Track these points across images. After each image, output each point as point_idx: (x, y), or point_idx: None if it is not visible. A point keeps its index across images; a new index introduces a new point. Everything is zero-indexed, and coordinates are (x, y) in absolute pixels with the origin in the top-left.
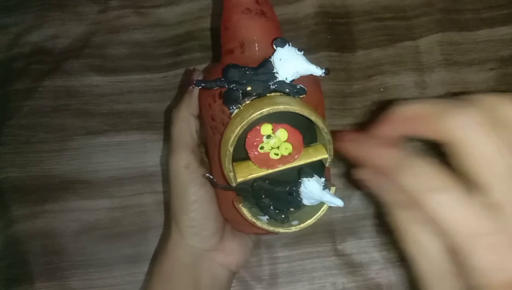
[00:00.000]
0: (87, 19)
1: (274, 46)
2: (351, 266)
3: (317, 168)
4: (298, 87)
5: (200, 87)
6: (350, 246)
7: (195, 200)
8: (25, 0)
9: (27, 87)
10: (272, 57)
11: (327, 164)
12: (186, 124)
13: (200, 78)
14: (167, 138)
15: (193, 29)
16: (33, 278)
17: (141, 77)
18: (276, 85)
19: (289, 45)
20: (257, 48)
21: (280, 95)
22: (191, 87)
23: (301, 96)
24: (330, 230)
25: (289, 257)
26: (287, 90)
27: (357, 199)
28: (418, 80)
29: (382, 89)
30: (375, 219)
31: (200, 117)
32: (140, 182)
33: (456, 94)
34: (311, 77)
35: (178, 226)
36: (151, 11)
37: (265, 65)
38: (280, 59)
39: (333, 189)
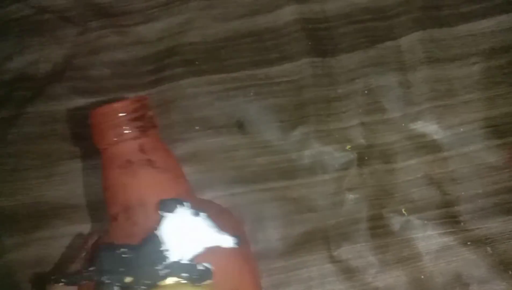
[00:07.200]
0: (67, 42)
1: (160, 212)
2: (348, 272)
3: None
4: (201, 268)
5: (61, 284)
6: (345, 251)
7: None
8: (3, 28)
9: (11, 114)
10: (159, 228)
11: None
12: None
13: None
14: None
15: (174, 44)
16: None
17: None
18: (168, 269)
19: (183, 205)
20: (147, 213)
21: (178, 282)
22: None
23: (206, 282)
24: (324, 237)
25: (285, 267)
26: (184, 275)
27: (349, 203)
28: (402, 80)
29: (366, 92)
30: (368, 222)
31: None
32: None
33: (441, 91)
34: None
35: None
36: (131, 29)
37: (150, 241)
38: (170, 230)
39: None
